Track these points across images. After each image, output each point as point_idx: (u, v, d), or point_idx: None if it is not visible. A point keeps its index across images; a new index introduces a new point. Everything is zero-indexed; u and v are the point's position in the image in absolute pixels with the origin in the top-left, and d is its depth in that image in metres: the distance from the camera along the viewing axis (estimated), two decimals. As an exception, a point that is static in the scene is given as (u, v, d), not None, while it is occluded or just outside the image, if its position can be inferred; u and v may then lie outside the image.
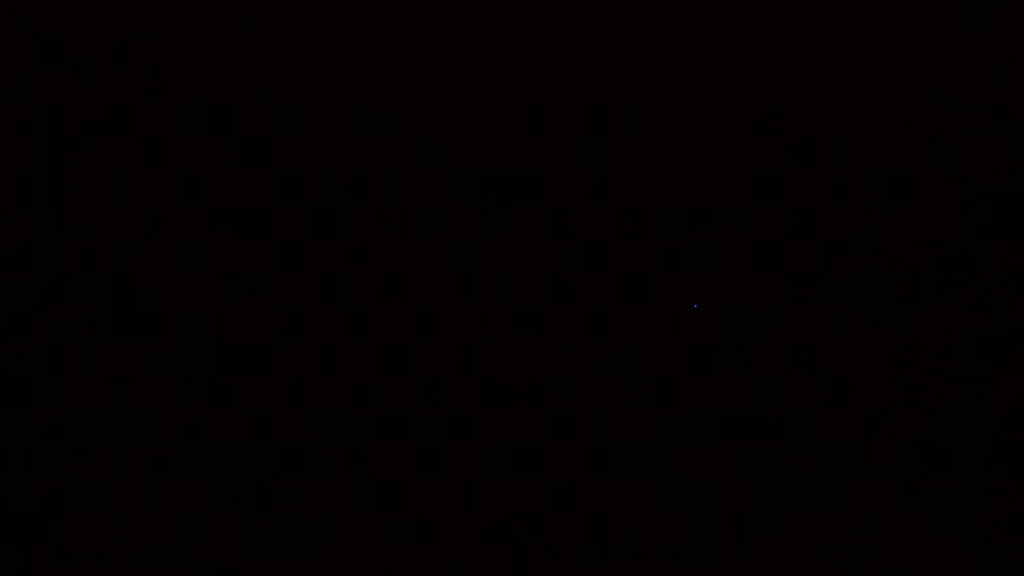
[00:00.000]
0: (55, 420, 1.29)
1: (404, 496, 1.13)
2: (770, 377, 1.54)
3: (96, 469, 1.18)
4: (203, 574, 0.99)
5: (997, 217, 1.32)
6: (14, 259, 1.34)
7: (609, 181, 1.73)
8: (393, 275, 1.85)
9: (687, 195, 1.65)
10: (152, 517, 1.08)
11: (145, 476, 1.17)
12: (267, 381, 1.56)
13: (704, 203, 1.63)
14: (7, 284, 1.34)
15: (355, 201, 1.83)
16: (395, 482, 1.17)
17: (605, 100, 1.69)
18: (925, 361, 1.41)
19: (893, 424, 1.35)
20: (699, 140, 1.60)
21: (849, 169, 1.49)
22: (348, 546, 1.02)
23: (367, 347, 1.68)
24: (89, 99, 1.45)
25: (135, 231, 1.51)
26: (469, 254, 1.95)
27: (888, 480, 1.18)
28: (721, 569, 0.99)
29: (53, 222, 1.39)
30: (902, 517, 1.09)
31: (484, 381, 1.59)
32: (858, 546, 1.04)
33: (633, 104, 1.67)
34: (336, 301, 1.80)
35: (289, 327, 1.72)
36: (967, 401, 1.33)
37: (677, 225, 1.66)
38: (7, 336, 1.32)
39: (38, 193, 1.38)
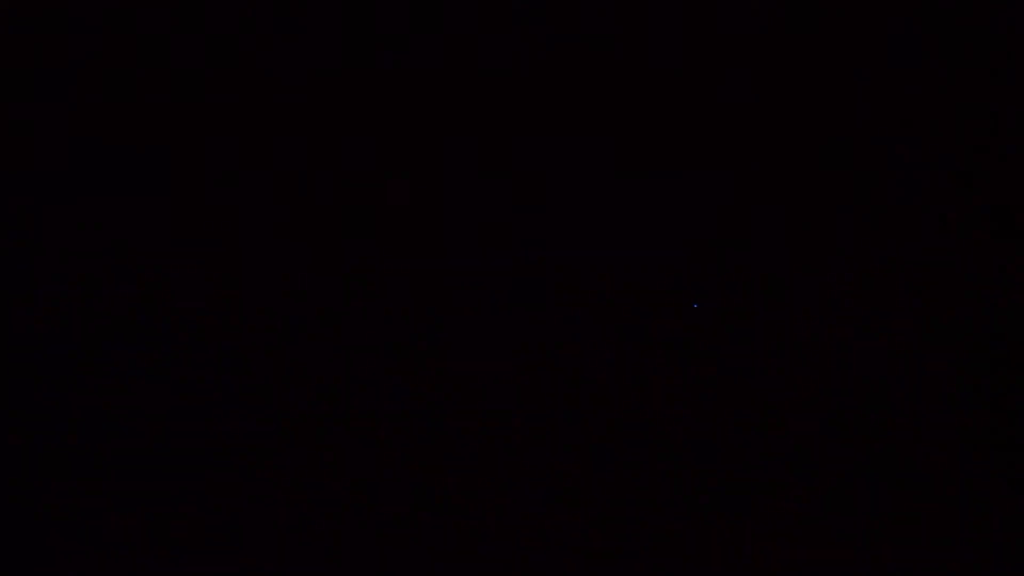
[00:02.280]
0: (55, 420, 1.29)
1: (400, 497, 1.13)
2: (770, 377, 1.54)
3: (95, 469, 1.18)
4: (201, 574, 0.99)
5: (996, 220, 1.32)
6: (13, 259, 1.34)
7: (607, 178, 1.73)
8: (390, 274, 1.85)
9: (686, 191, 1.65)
10: (151, 517, 1.08)
11: (144, 476, 1.17)
12: (264, 382, 1.56)
13: (702, 202, 1.63)
14: (7, 285, 1.34)
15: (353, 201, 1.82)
16: (393, 482, 1.16)
17: (603, 97, 1.69)
18: (927, 360, 1.41)
19: (896, 425, 1.35)
20: (697, 137, 1.61)
21: (849, 168, 1.49)
22: (345, 546, 1.02)
23: (365, 348, 1.68)
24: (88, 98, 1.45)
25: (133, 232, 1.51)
26: (465, 251, 1.94)
27: (890, 482, 1.18)
28: (720, 569, 0.99)
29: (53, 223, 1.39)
30: (903, 518, 1.09)
31: (482, 381, 1.59)
32: (859, 547, 1.04)
33: (630, 101, 1.67)
34: (333, 303, 1.79)
35: (286, 328, 1.72)
36: (968, 401, 1.33)
37: (677, 223, 1.66)
38: (7, 336, 1.32)
39: (38, 193, 1.38)
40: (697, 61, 1.54)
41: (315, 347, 1.73)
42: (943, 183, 1.40)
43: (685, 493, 1.16)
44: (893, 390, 1.44)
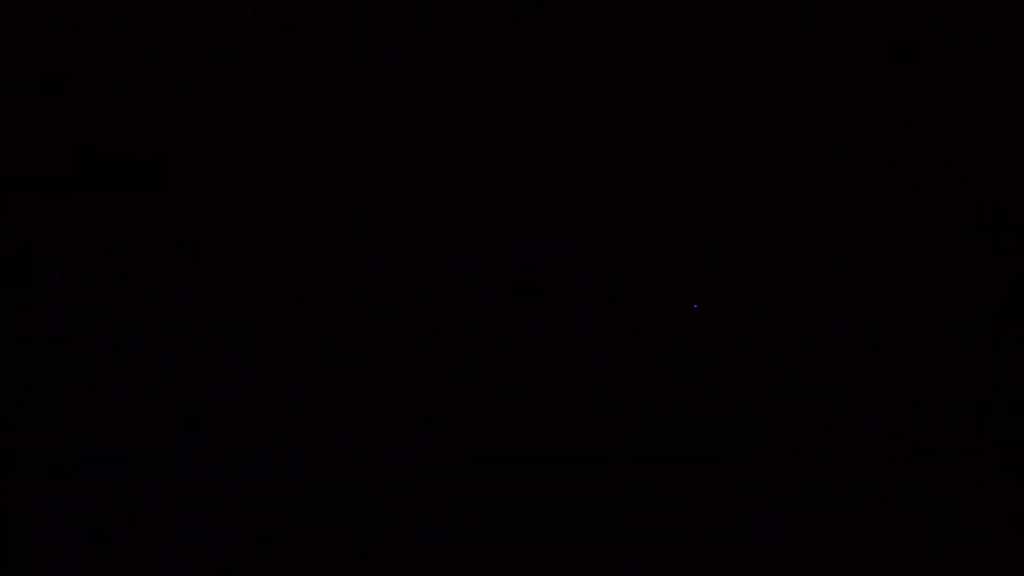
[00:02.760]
0: (55, 421, 1.29)
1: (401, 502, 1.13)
2: (771, 378, 1.54)
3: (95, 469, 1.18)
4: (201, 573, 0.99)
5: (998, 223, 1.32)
6: (14, 259, 1.34)
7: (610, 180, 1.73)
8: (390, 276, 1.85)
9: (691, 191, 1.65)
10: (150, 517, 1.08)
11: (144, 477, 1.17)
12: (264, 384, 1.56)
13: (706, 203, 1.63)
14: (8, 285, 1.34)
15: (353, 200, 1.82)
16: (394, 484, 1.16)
17: (602, 96, 1.69)
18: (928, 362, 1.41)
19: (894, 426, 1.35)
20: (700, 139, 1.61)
21: (850, 168, 1.49)
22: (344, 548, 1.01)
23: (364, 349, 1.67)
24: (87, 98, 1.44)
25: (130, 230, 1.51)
26: (465, 251, 1.93)
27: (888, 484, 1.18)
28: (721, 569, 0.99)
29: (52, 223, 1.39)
30: (903, 520, 1.09)
31: (484, 380, 1.59)
32: (859, 548, 1.04)
33: (637, 104, 1.67)
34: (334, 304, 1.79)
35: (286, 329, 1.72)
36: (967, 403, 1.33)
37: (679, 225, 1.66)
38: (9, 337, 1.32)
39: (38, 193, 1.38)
40: (697, 61, 1.54)
41: (314, 346, 1.73)
42: (943, 183, 1.40)
43: (682, 490, 1.16)
44: (892, 389, 1.44)
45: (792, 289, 1.54)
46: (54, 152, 1.41)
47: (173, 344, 1.50)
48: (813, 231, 1.53)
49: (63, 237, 1.41)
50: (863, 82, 1.45)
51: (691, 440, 1.34)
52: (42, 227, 1.39)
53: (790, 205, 1.54)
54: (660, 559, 1.04)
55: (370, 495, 1.14)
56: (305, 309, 1.66)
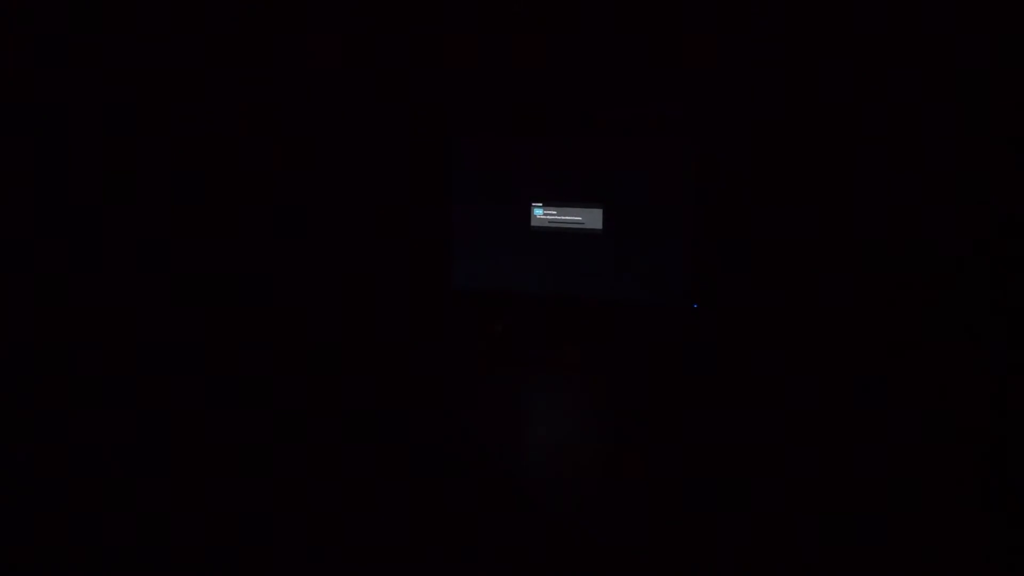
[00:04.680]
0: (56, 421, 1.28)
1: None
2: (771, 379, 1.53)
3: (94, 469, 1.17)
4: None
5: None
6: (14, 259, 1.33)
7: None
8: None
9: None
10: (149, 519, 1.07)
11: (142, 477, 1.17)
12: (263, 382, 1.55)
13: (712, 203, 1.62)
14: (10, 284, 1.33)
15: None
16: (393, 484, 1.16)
17: (599, 94, 1.68)
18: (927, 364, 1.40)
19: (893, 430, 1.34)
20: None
21: (851, 168, 1.48)
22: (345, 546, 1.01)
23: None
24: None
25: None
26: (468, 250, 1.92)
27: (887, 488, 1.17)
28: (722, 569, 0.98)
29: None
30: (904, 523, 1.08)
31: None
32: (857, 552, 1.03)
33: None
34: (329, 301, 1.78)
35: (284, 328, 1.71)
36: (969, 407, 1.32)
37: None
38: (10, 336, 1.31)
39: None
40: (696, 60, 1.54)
41: (314, 345, 1.72)
42: (943, 180, 1.39)
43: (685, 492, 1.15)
44: (890, 390, 1.43)
45: (792, 288, 1.53)
46: (54, 152, 1.39)
47: (171, 343, 1.48)
48: (813, 231, 1.52)
49: (64, 237, 1.39)
50: (863, 82, 1.45)
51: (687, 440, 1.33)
52: (42, 225, 1.37)
53: (790, 204, 1.54)
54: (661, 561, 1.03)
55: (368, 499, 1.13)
56: (303, 308, 1.64)
